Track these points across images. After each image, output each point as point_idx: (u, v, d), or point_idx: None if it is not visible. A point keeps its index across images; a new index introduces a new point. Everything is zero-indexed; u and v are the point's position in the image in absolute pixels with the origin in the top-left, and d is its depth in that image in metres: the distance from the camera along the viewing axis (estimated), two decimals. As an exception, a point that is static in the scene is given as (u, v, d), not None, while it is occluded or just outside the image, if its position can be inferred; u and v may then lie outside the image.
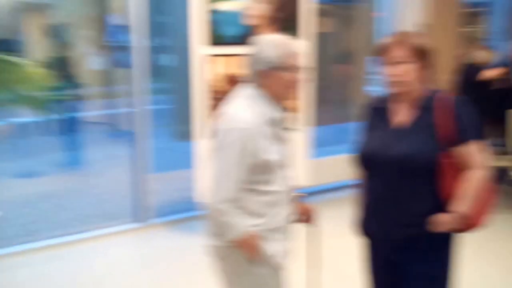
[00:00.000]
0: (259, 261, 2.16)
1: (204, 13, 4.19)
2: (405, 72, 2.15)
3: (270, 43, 2.10)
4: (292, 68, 2.11)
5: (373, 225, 2.34)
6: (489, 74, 5.62)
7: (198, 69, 4.30)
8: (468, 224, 2.19)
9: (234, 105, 2.13)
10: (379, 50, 2.21)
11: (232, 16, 4.27)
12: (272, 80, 2.11)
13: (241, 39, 4.30)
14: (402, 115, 2.25)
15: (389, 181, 2.21)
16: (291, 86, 2.15)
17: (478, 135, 2.18)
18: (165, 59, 9.75)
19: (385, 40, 2.21)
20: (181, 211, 5.18)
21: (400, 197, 2.20)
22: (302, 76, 2.19)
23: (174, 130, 5.21)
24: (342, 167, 6.08)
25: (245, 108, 2.09)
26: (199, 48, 4.25)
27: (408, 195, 2.19)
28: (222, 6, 4.22)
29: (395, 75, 2.17)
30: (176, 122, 5.17)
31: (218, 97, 4.27)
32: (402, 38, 2.17)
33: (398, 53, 2.14)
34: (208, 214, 2.14)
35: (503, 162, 5.54)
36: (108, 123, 9.98)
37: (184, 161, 5.07)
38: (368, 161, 2.30)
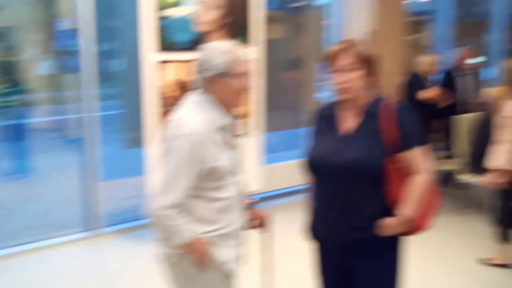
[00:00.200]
0: (209, 267, 2.16)
1: (154, 19, 4.16)
2: (351, 79, 2.19)
3: (218, 49, 2.11)
4: (240, 75, 2.12)
5: (321, 229, 2.37)
6: (426, 95, 5.77)
7: (149, 75, 4.26)
8: (414, 227, 2.26)
9: (183, 111, 2.13)
10: (326, 58, 2.25)
11: (183, 22, 4.26)
12: (221, 87, 2.11)
13: (191, 45, 4.30)
14: (349, 122, 2.30)
15: (337, 186, 2.25)
16: (240, 92, 2.16)
17: (421, 141, 2.25)
18: (115, 64, 9.62)
19: (332, 48, 2.25)
20: (132, 219, 5.12)
21: (348, 202, 2.24)
22: (250, 82, 2.20)
23: (125, 136, 5.13)
24: (293, 172, 6.15)
25: (194, 114, 2.09)
26: (150, 54, 4.22)
27: (356, 200, 2.23)
28: (173, 12, 4.21)
29: (341, 83, 2.21)
30: (127, 128, 5.10)
31: (169, 103, 4.25)
32: (348, 46, 2.21)
33: (345, 60, 2.19)
34: (153, 220, 2.12)
35: (448, 166, 5.72)
36: (56, 130, 9.76)
37: (135, 168, 5.01)
38: (316, 167, 2.33)
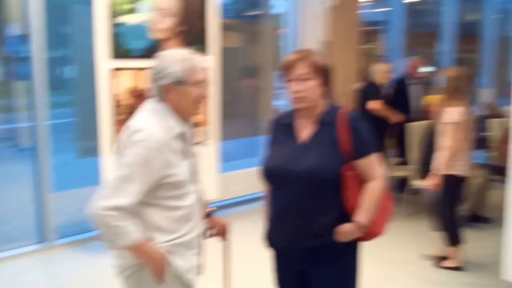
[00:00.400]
0: (167, 278, 2.13)
1: (109, 26, 4.10)
2: (307, 88, 2.22)
3: (175, 57, 2.09)
4: (197, 83, 2.11)
5: (279, 237, 2.38)
6: (372, 105, 5.89)
7: (103, 83, 4.19)
8: (370, 232, 2.31)
9: (139, 118, 2.09)
10: (282, 67, 2.28)
11: (138, 29, 4.21)
12: (178, 95, 2.09)
13: (147, 53, 4.25)
14: (306, 130, 2.32)
15: (294, 194, 2.26)
16: (198, 101, 2.14)
17: (374, 148, 2.31)
18: (68, 71, 9.43)
19: (288, 57, 2.27)
20: (87, 231, 5.00)
21: (305, 209, 2.26)
22: (208, 91, 2.19)
23: (78, 145, 5.02)
24: (251, 180, 6.16)
25: (151, 121, 2.05)
26: (104, 61, 4.15)
27: (313, 207, 2.25)
28: (128, 19, 4.16)
29: (297, 92, 2.23)
30: (80, 137, 4.99)
31: (124, 111, 4.19)
32: (304, 55, 2.24)
33: (301, 70, 2.22)
34: (94, 221, 2.01)
35: (402, 172, 5.84)
36: (7, 139, 9.48)
37: (89, 178, 4.90)
38: (273, 175, 2.34)
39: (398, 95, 6.29)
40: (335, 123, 2.27)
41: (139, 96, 4.24)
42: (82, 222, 5.28)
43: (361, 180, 2.28)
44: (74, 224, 5.29)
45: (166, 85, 2.07)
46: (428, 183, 4.18)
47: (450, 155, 4.04)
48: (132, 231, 2.00)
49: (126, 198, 1.97)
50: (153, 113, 2.10)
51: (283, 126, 2.40)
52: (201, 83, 2.13)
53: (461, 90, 4.13)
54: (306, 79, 2.22)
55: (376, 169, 2.29)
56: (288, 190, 2.28)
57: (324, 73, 2.25)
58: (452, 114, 4.07)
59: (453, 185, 4.12)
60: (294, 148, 2.31)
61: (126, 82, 4.21)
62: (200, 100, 2.15)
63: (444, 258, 4.43)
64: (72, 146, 5.04)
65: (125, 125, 2.13)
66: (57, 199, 4.89)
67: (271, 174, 2.35)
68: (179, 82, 2.07)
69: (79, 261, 4.52)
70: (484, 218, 5.52)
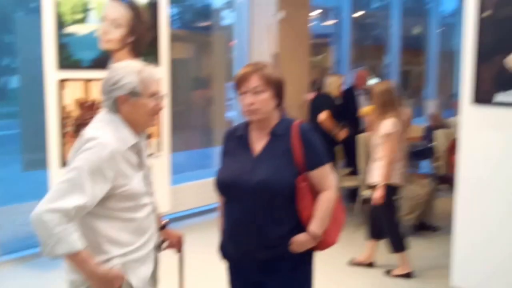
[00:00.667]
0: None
1: (58, 36, 4.00)
2: (259, 101, 2.24)
3: (129, 69, 2.06)
4: (152, 95, 2.09)
5: (234, 248, 2.37)
6: (321, 117, 5.97)
7: (52, 94, 4.07)
8: (324, 242, 2.34)
9: (92, 129, 2.05)
10: (236, 80, 2.29)
11: (87, 40, 4.13)
12: (133, 107, 2.06)
13: (97, 64, 4.17)
14: (260, 143, 2.33)
15: (248, 206, 2.27)
16: (153, 113, 2.12)
17: (327, 159, 2.34)
18: (13, 82, 9.15)
19: (240, 70, 2.29)
20: (33, 246, 4.82)
21: (260, 221, 2.26)
22: (163, 102, 2.17)
23: (25, 158, 4.86)
24: (205, 192, 6.12)
25: (105, 132, 2.01)
26: (53, 72, 4.04)
27: (268, 219, 2.25)
28: (77, 30, 4.07)
29: (250, 104, 2.24)
30: (26, 149, 4.83)
31: (73, 123, 4.09)
32: (256, 68, 2.27)
33: (253, 83, 2.23)
34: (33, 225, 1.89)
35: (353, 183, 5.92)
36: None
37: (36, 191, 4.74)
38: (226, 187, 2.34)
39: (347, 106, 6.40)
40: (288, 135, 2.30)
41: (88, 108, 4.15)
42: (27, 237, 5.10)
43: (315, 191, 2.31)
44: (19, 240, 5.09)
45: (121, 96, 2.04)
46: (374, 196, 4.25)
47: (386, 166, 4.14)
48: (75, 239, 1.89)
49: (70, 202, 1.87)
50: (107, 123, 2.06)
51: (237, 138, 2.41)
52: (156, 95, 2.11)
53: (391, 103, 4.27)
54: (258, 92, 2.23)
55: (329, 180, 2.33)
56: (242, 202, 2.28)
57: (276, 86, 2.28)
58: (384, 126, 4.20)
59: (389, 194, 4.21)
60: (248, 160, 2.31)
61: (75, 93, 4.11)
62: (156, 112, 2.13)
63: (370, 264, 4.58)
64: (17, 158, 4.88)
65: (78, 137, 2.07)
66: (1, 213, 4.71)
67: (224, 186, 2.35)
68: (134, 94, 2.04)
69: (25, 278, 4.36)
70: (432, 227, 5.65)
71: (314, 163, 2.29)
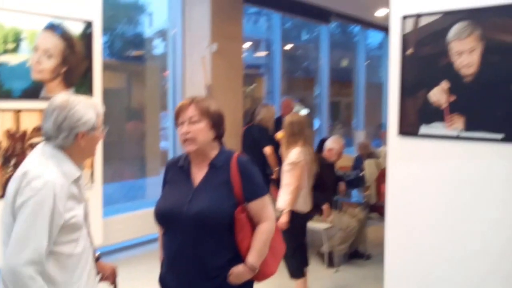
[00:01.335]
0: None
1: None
2: (196, 130, 2.31)
3: (88, 105, 2.11)
4: (100, 127, 2.15)
5: (173, 279, 2.36)
6: (267, 151, 6.08)
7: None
8: (262, 272, 2.38)
9: (36, 165, 2.01)
10: (175, 111, 2.37)
11: (20, 70, 4.04)
12: (89, 141, 2.11)
13: (29, 94, 4.08)
14: (200, 174, 2.37)
15: (187, 236, 2.29)
16: (97, 144, 2.19)
17: (264, 191, 2.39)
18: None
19: (180, 102, 2.37)
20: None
21: (199, 251, 2.28)
22: (103, 133, 2.23)
23: None
24: (138, 223, 6.03)
25: (49, 167, 2.00)
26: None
27: (207, 249, 2.28)
28: (8, 59, 3.98)
29: (187, 133, 2.30)
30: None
31: (4, 154, 3.96)
32: (193, 100, 2.35)
33: (190, 113, 2.31)
34: (9, 276, 1.89)
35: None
36: None
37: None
38: (165, 217, 2.36)
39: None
40: (227, 166, 2.35)
41: (18, 139, 4.03)
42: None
43: (254, 222, 2.35)
44: None
45: (82, 132, 2.07)
46: (279, 222, 4.33)
47: (290, 193, 4.26)
48: None
49: (37, 250, 1.89)
50: (49, 158, 2.04)
51: (178, 169, 2.44)
52: (101, 127, 2.17)
53: (300, 134, 4.45)
54: (194, 122, 2.31)
55: (267, 211, 2.38)
56: (181, 232, 2.30)
57: (212, 117, 2.34)
58: (291, 155, 4.36)
59: (294, 220, 4.30)
60: (187, 191, 2.34)
61: (5, 123, 3.99)
62: (98, 143, 2.22)
63: None
64: None
65: (18, 170, 2.03)
66: None
67: (163, 217, 2.37)
68: (92, 129, 2.10)
69: None
70: (364, 255, 5.80)
71: (252, 194, 2.33)
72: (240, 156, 2.39)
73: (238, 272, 2.29)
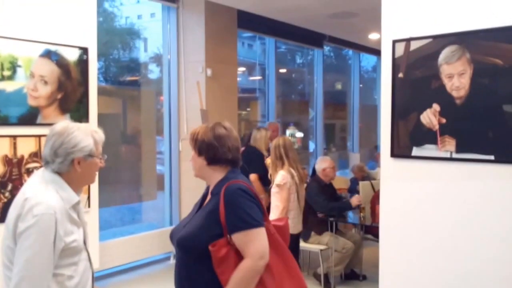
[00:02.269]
0: None
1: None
2: (192, 159, 2.43)
3: (86, 131, 2.16)
4: (98, 154, 2.20)
5: None
6: (252, 178, 6.07)
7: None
8: None
9: (36, 191, 2.05)
10: None
11: (16, 96, 4.08)
12: (86, 168, 2.15)
13: (25, 120, 4.11)
14: (208, 200, 2.38)
15: (177, 259, 2.36)
16: (95, 171, 2.23)
17: (250, 224, 2.19)
18: None
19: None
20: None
21: (182, 277, 2.30)
22: (103, 161, 2.27)
23: None
24: (134, 247, 6.02)
25: (49, 193, 2.04)
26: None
27: (189, 276, 2.27)
28: (5, 86, 4.02)
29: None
30: None
31: (2, 180, 3.98)
32: (193, 132, 2.43)
33: (190, 145, 2.42)
34: None
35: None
36: None
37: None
38: (170, 238, 2.43)
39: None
40: (219, 195, 2.26)
41: (15, 164, 4.05)
42: None
43: (239, 256, 2.20)
44: None
45: (78, 158, 2.11)
46: None
47: (280, 215, 4.32)
48: None
49: (45, 280, 1.95)
50: (49, 183, 2.09)
51: (203, 195, 2.49)
52: (101, 153, 2.23)
53: (285, 155, 4.51)
54: (192, 150, 2.41)
55: (250, 247, 2.17)
56: (177, 255, 2.37)
57: (199, 146, 2.37)
58: (277, 178, 4.42)
59: None
60: (190, 217, 2.40)
61: (1, 149, 4.01)
62: (98, 169, 2.25)
63: None
64: None
65: (18, 196, 2.07)
66: None
67: (170, 238, 2.44)
68: (90, 155, 2.14)
69: None
70: (359, 275, 5.80)
71: (233, 227, 2.18)
72: (230, 184, 2.26)
73: None
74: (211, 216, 2.23)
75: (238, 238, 2.18)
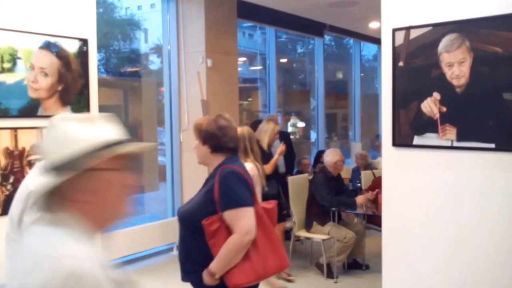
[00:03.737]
0: None
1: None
2: (195, 148, 2.71)
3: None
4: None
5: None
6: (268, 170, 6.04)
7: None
8: (228, 281, 2.49)
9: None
10: None
11: (16, 89, 4.08)
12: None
13: (26, 112, 4.12)
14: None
15: (179, 234, 2.67)
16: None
17: (240, 203, 2.50)
18: None
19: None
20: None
21: (182, 247, 2.64)
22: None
23: None
24: (137, 238, 6.03)
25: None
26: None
27: (187, 247, 2.59)
28: (5, 79, 4.02)
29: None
30: None
31: (2, 172, 3.99)
32: (197, 123, 2.72)
33: (195, 135, 2.69)
34: None
35: (287, 224, 6.02)
36: None
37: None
38: (177, 215, 2.73)
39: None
40: (215, 176, 2.57)
41: (17, 157, 4.06)
42: None
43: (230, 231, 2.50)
44: None
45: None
46: None
47: None
48: None
49: None
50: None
51: (207, 178, 2.74)
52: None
53: (251, 150, 4.42)
54: (196, 140, 2.70)
55: (239, 224, 2.47)
56: (179, 229, 2.68)
57: (202, 134, 2.66)
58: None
59: None
60: (193, 196, 2.69)
61: (3, 142, 4.02)
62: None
63: None
64: None
65: (3, 186, 2.06)
66: None
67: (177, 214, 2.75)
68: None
69: None
70: (362, 265, 5.82)
71: (225, 205, 2.50)
72: (225, 168, 2.56)
73: (203, 275, 2.48)
74: (207, 195, 2.55)
75: (228, 215, 2.48)
